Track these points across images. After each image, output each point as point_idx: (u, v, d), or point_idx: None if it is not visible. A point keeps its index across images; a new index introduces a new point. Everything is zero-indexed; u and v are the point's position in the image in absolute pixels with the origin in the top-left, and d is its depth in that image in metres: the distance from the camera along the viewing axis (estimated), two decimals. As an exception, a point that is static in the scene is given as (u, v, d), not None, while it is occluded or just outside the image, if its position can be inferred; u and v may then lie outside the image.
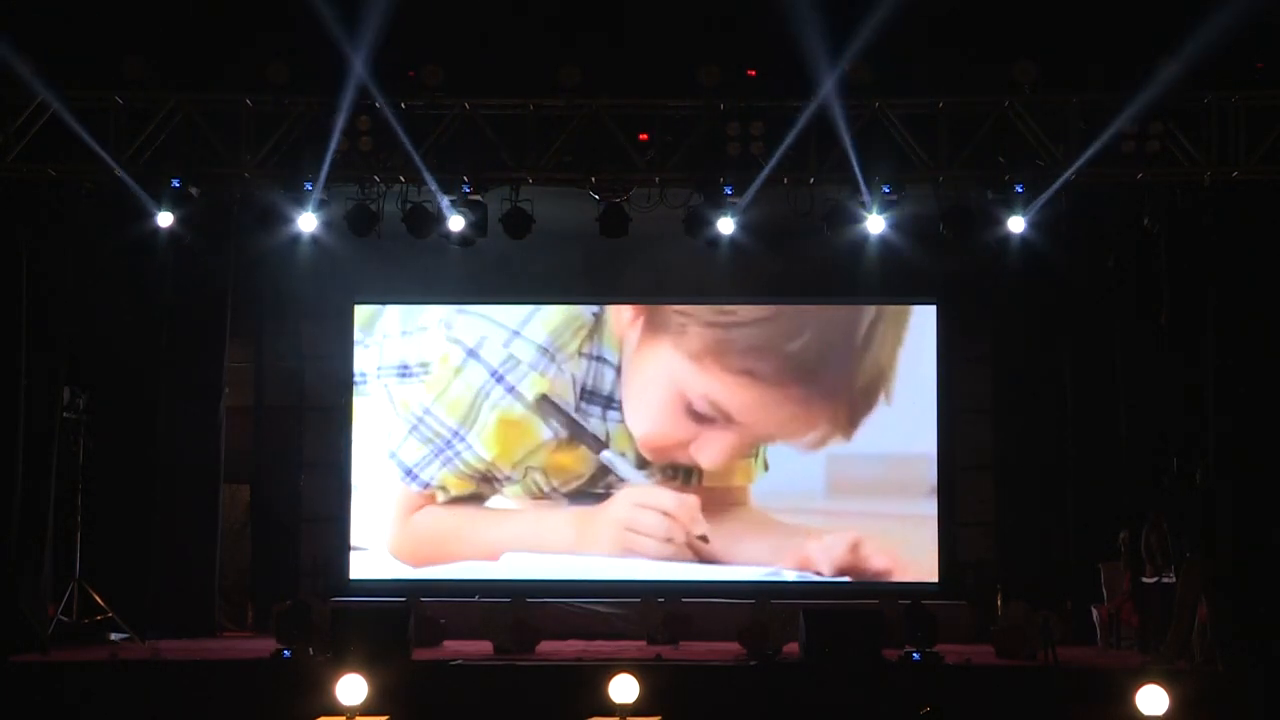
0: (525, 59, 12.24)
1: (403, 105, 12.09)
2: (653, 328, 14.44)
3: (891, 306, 14.40)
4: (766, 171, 12.02)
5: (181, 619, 13.15)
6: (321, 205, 12.38)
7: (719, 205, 12.29)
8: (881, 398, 14.35)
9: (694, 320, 14.40)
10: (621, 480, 14.32)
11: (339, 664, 10.37)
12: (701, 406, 14.30)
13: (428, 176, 12.10)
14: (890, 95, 11.99)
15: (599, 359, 14.45)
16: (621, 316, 14.48)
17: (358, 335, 14.61)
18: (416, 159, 12.00)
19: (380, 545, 14.39)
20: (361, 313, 14.60)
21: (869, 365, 14.37)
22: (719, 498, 14.31)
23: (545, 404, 14.37)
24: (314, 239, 12.60)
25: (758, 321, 14.41)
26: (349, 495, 14.47)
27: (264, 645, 12.00)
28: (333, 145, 11.90)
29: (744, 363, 14.32)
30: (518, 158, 12.28)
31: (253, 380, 14.72)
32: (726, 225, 12.37)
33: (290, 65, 11.93)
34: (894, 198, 12.23)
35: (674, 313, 14.44)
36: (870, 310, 14.40)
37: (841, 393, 14.34)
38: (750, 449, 14.28)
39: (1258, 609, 11.48)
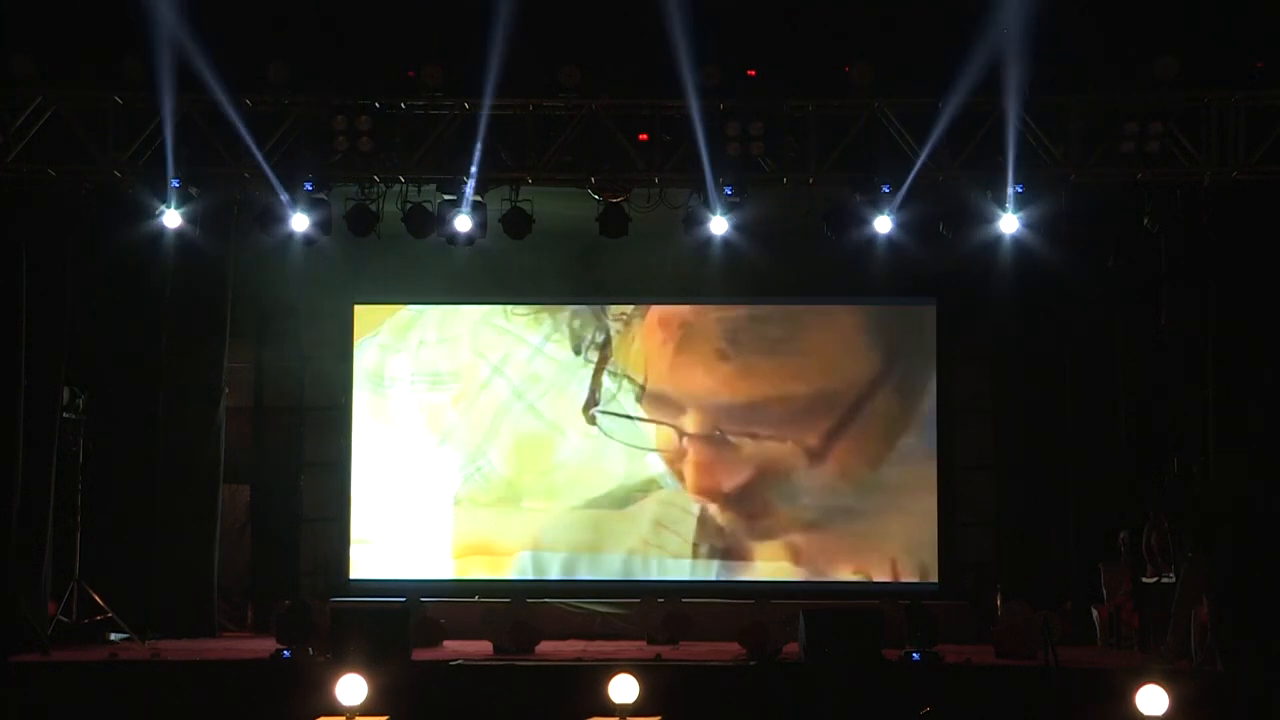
0: (526, 59, 12.23)
1: (403, 105, 12.09)
2: (687, 345, 14.50)
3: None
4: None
5: (181, 619, 13.14)
6: (316, 205, 12.37)
7: (716, 205, 12.29)
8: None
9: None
10: (648, 491, 14.38)
11: (339, 664, 10.36)
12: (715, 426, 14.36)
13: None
14: (890, 95, 11.97)
15: (624, 376, 14.50)
16: (653, 338, 14.50)
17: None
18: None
19: (405, 544, 14.43)
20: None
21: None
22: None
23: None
24: (313, 239, 12.56)
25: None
26: (349, 495, 14.48)
27: (264, 645, 11.99)
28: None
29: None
30: (518, 158, 12.27)
31: (253, 381, 14.73)
32: (719, 225, 12.34)
33: (291, 65, 11.92)
34: (893, 198, 12.22)
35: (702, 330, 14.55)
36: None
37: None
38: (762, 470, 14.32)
39: (1258, 609, 11.47)
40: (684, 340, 14.49)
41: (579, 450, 14.44)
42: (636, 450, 14.38)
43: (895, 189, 12.13)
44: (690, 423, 14.37)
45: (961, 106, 12.04)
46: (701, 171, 12.12)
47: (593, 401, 14.46)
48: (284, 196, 12.11)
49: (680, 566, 14.30)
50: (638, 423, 14.41)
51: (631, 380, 14.47)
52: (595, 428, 14.44)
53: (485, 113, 11.80)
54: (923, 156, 11.86)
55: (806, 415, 14.30)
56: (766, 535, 14.29)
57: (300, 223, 12.33)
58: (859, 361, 14.43)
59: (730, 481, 14.30)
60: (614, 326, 14.56)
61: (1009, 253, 12.55)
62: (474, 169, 11.97)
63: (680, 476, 14.35)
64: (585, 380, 14.51)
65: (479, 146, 11.86)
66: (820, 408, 14.32)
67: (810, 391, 14.34)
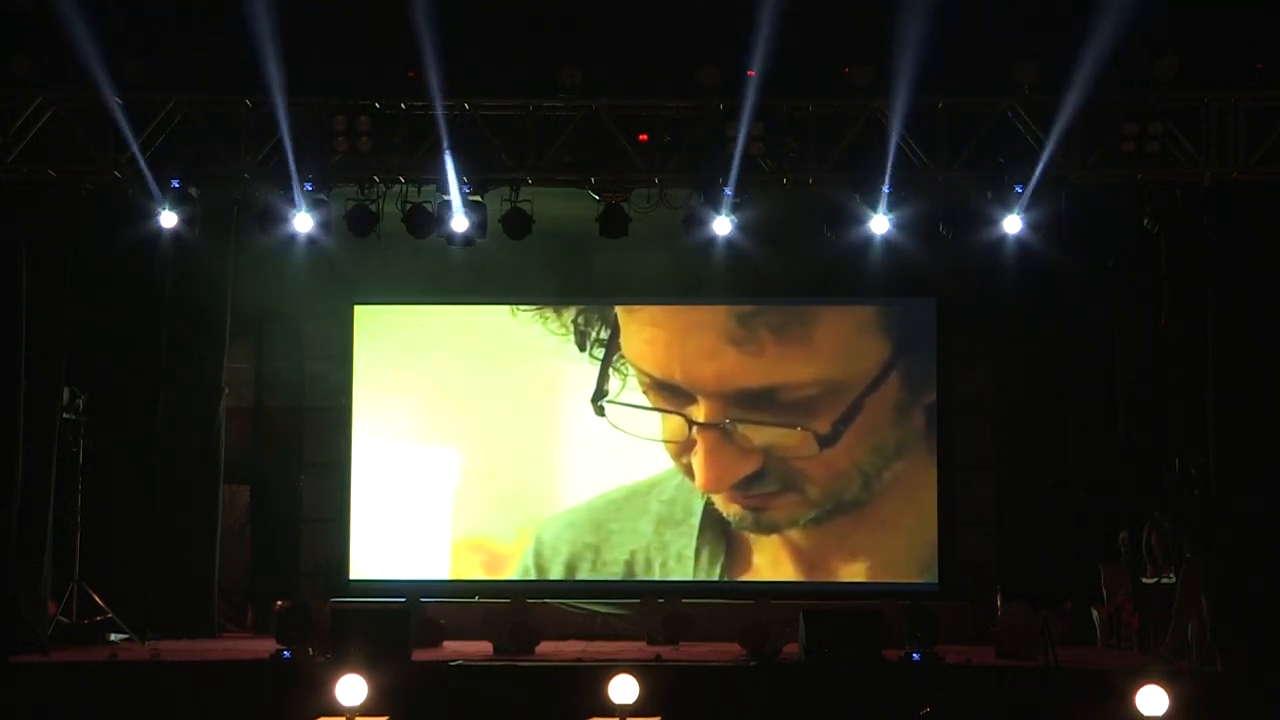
0: (526, 59, 12.24)
1: (403, 105, 12.09)
2: (694, 336, 14.52)
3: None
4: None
5: (181, 619, 13.14)
6: (319, 205, 12.38)
7: (719, 205, 12.29)
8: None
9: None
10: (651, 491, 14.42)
11: (339, 664, 10.36)
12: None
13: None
14: (890, 95, 11.97)
15: (633, 367, 14.51)
16: (660, 328, 14.53)
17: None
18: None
19: (405, 544, 14.43)
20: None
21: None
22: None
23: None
24: (314, 239, 12.56)
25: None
26: (349, 495, 14.48)
27: (264, 645, 12.00)
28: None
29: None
30: (518, 158, 12.28)
31: (253, 381, 14.72)
32: (722, 225, 12.34)
33: (290, 66, 11.91)
34: (893, 198, 12.22)
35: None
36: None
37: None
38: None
39: (1258, 609, 11.47)
40: (690, 331, 14.49)
41: (581, 450, 14.42)
42: (640, 449, 14.36)
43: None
44: (699, 411, 14.35)
45: (961, 106, 12.08)
46: (704, 171, 12.15)
47: (601, 393, 14.46)
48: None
49: (683, 567, 14.30)
50: (646, 413, 14.38)
51: (640, 371, 14.47)
52: (603, 419, 14.42)
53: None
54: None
55: (815, 405, 14.29)
56: (769, 533, 14.27)
57: (304, 223, 12.33)
58: (859, 359, 14.42)
59: (738, 473, 14.26)
60: (621, 319, 14.55)
61: (1009, 252, 12.54)
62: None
63: (687, 471, 14.34)
64: (591, 375, 14.50)
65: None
66: (827, 399, 14.31)
67: (816, 382, 14.32)
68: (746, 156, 11.99)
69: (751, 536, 14.30)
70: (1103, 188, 12.40)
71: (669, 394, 14.41)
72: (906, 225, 12.50)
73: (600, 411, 14.42)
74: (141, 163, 12.06)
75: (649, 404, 14.41)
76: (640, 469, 14.40)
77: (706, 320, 14.54)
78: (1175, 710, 8.72)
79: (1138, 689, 8.80)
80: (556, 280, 14.35)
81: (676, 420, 14.37)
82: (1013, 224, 12.19)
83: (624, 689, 9.07)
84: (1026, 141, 12.02)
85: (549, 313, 14.60)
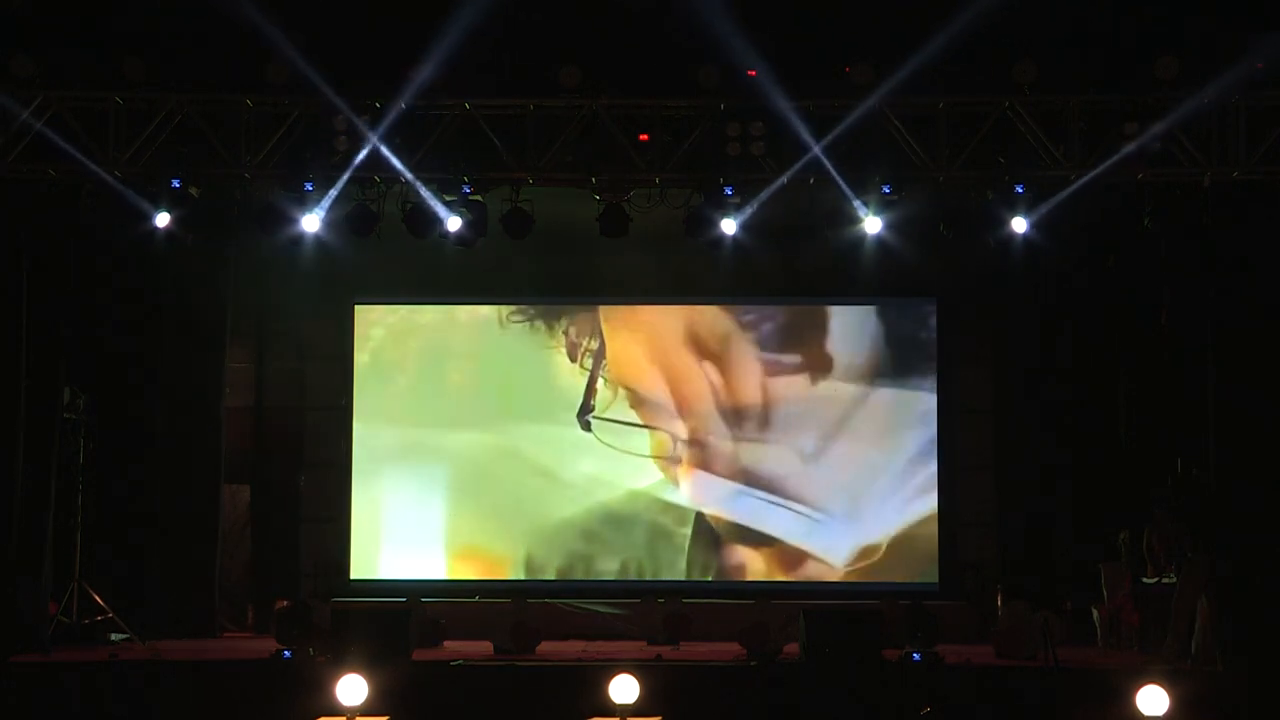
0: (525, 59, 12.24)
1: (403, 105, 12.09)
2: (681, 349, 14.50)
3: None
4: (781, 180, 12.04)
5: (181, 619, 13.15)
6: (320, 205, 12.38)
7: (719, 206, 12.29)
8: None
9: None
10: (643, 503, 14.39)
11: (339, 664, 10.36)
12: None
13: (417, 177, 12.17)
14: (890, 95, 11.97)
15: (618, 382, 14.48)
16: (648, 342, 14.51)
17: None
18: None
19: (405, 544, 14.43)
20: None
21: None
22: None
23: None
24: (314, 239, 12.57)
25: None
26: (349, 495, 14.47)
27: (264, 645, 12.00)
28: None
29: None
30: (518, 158, 12.28)
31: (253, 381, 14.70)
32: (730, 226, 12.34)
33: (291, 65, 11.91)
34: (893, 198, 12.22)
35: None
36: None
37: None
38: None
39: (1258, 609, 11.47)
40: (678, 344, 14.47)
41: (575, 460, 14.37)
42: (631, 460, 14.34)
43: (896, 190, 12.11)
44: (684, 427, 14.35)
45: (961, 106, 12.08)
46: (703, 171, 12.15)
47: (586, 408, 14.43)
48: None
49: (675, 567, 14.29)
50: (631, 429, 14.37)
51: (626, 386, 14.45)
52: (590, 434, 14.41)
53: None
54: None
55: (805, 416, 14.29)
56: (763, 540, 14.26)
57: (312, 223, 12.33)
58: (858, 361, 14.41)
59: (726, 486, 14.27)
60: (609, 331, 14.53)
61: (1009, 253, 12.53)
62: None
63: (675, 483, 14.33)
64: (581, 387, 14.48)
65: None
66: (819, 408, 14.31)
67: (808, 392, 14.32)
68: (746, 156, 11.99)
69: (742, 549, 14.30)
70: (1103, 188, 12.40)
71: (653, 409, 14.40)
72: (907, 225, 12.49)
73: (586, 427, 14.40)
74: (141, 162, 12.09)
75: (635, 419, 14.38)
76: (633, 480, 14.36)
77: (690, 334, 14.46)
78: (1175, 710, 8.72)
79: (1138, 689, 8.79)
80: (557, 280, 14.33)
81: (662, 435, 14.37)
82: (1020, 225, 12.17)
83: (624, 689, 9.07)
84: (1027, 141, 12.02)
85: (539, 323, 14.55)
